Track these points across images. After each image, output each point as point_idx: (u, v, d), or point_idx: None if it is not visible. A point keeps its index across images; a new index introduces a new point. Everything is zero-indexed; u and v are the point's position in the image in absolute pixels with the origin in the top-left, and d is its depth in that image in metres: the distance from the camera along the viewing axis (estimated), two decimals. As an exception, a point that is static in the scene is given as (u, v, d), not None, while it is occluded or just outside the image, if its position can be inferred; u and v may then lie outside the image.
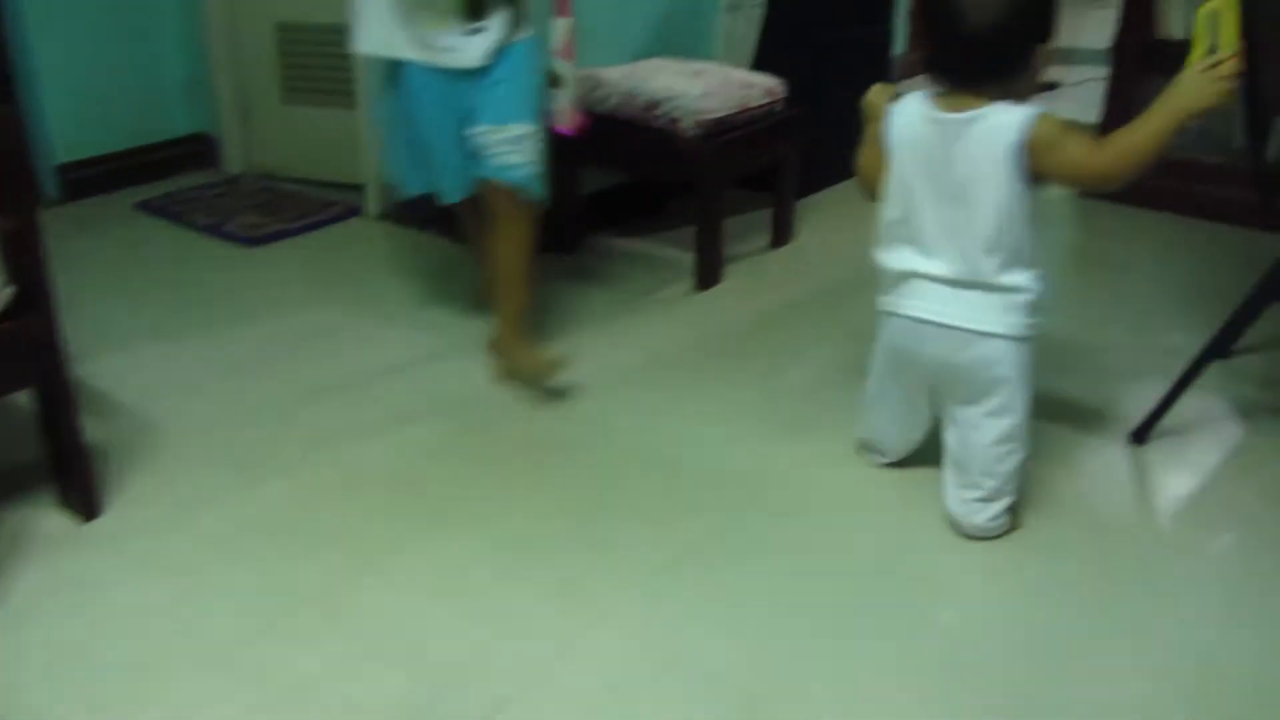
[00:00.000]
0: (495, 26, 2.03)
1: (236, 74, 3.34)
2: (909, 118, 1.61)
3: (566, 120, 2.29)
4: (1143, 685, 1.39)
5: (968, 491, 1.66)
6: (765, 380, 2.19)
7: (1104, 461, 1.91)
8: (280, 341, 2.35)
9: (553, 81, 2.23)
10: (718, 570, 1.61)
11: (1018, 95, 1.56)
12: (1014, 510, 1.69)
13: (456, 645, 1.46)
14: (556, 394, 2.09)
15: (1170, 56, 3.03)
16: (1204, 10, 1.51)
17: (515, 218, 2.11)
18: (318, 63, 3.22)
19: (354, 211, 3.10)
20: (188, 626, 1.48)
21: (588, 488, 1.82)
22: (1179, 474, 1.87)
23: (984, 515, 1.64)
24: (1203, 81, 1.47)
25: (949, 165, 1.56)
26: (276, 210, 3.10)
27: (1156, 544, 1.69)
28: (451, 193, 2.16)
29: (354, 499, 1.79)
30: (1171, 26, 3.05)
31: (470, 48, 2.01)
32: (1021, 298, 1.60)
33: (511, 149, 2.04)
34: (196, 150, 3.47)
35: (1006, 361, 1.61)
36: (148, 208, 3.13)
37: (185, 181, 3.34)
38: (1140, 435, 1.94)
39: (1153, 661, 1.43)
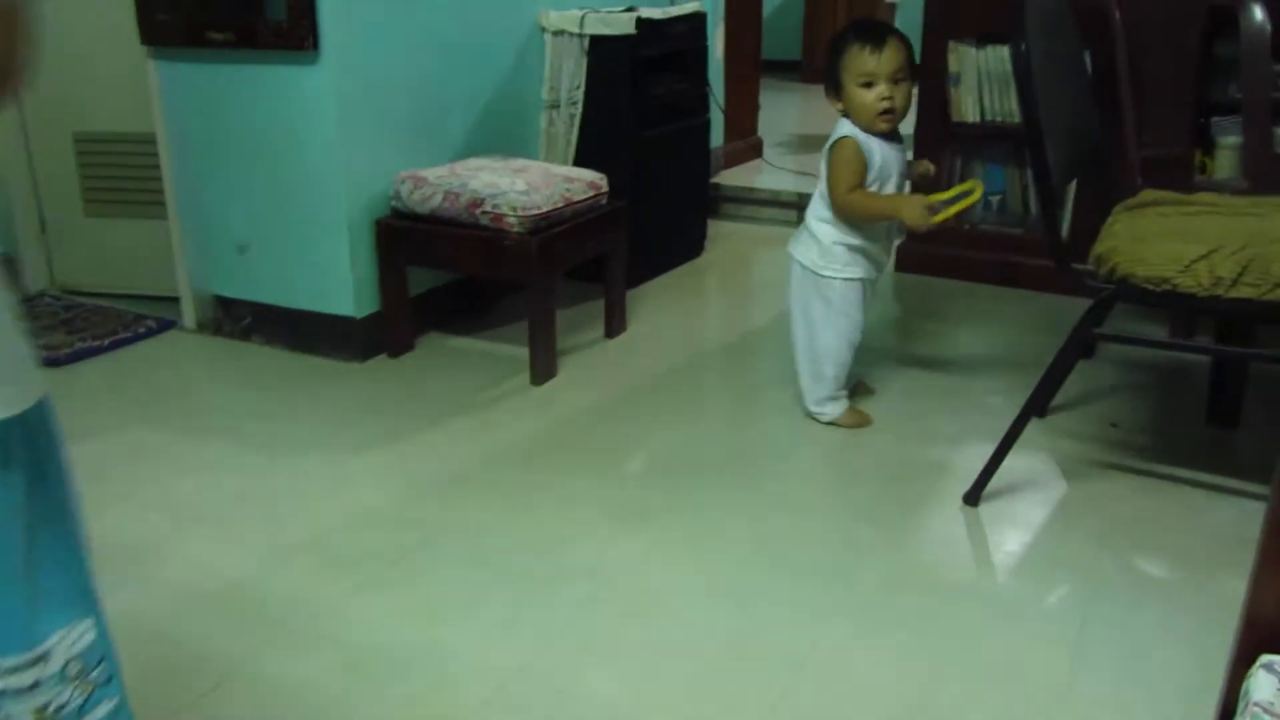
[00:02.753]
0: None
1: (32, 188, 3.17)
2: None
3: None
4: (998, 745, 1.40)
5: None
6: (605, 471, 2.16)
7: (942, 524, 1.95)
8: (86, 466, 2.18)
9: None
10: (559, 678, 1.55)
11: (847, 113, 2.21)
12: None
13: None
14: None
15: (962, 137, 3.27)
16: (965, 185, 2.20)
17: None
18: (123, 173, 3.09)
19: (169, 325, 2.95)
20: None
21: (431, 596, 1.74)
22: (1012, 531, 1.93)
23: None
24: (920, 209, 2.10)
25: None
26: (83, 328, 2.92)
27: (996, 602, 1.72)
28: None
29: (177, 627, 1.65)
30: (965, 110, 3.25)
31: None
32: None
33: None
34: (-9, 269, 3.25)
35: None
36: (-64, 333, 2.89)
37: (-21, 303, 3.12)
38: (972, 496, 2.00)
39: (1009, 718, 1.45)
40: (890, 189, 2.23)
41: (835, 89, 2.20)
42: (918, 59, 3.31)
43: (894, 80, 2.12)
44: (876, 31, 2.13)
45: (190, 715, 1.47)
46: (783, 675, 1.55)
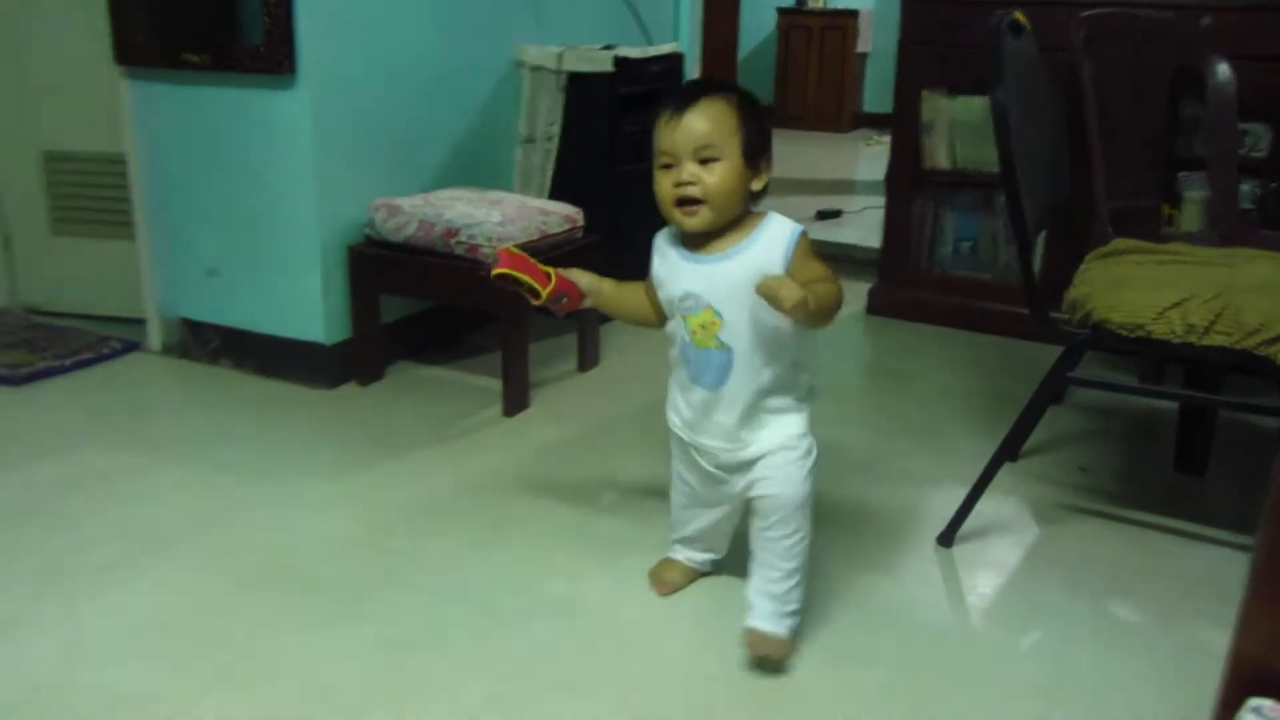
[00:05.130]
0: None
1: (-2, 205, 3.12)
2: None
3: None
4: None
5: None
6: (577, 504, 2.14)
7: (915, 566, 1.95)
8: (47, 488, 2.13)
9: None
10: (533, 706, 1.52)
11: None
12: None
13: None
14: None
15: (934, 184, 3.32)
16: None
17: None
18: (91, 193, 3.05)
19: (134, 346, 2.90)
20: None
21: (399, 628, 1.70)
22: (985, 574, 1.92)
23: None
24: (790, 289, 1.40)
25: None
26: (45, 347, 2.86)
27: (972, 645, 1.72)
28: None
29: (136, 654, 1.61)
30: (937, 158, 3.29)
31: None
32: None
33: None
34: (-49, 286, 3.19)
35: None
36: (-110, 349, 2.83)
37: (-64, 320, 3.05)
38: (946, 538, 2.00)
39: (980, 764, 1.44)
40: (693, 327, 1.58)
41: None
42: (889, 107, 3.40)
43: (700, 159, 1.51)
44: (685, 94, 1.54)
45: (147, 746, 1.42)
46: (756, 713, 1.52)
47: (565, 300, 1.67)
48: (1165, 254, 2.13)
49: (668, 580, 1.83)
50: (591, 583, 1.85)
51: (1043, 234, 3.09)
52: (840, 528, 2.07)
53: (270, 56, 2.50)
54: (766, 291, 1.40)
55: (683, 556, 1.84)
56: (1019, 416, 2.06)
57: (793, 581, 1.61)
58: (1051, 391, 2.03)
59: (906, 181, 3.38)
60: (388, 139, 2.78)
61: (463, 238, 2.52)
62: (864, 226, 4.15)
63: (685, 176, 1.52)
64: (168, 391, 2.74)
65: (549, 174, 3.17)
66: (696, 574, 1.85)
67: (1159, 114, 2.86)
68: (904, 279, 3.43)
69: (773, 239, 1.55)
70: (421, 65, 2.83)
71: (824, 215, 4.43)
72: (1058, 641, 1.71)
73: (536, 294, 1.63)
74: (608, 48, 3.18)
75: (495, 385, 2.60)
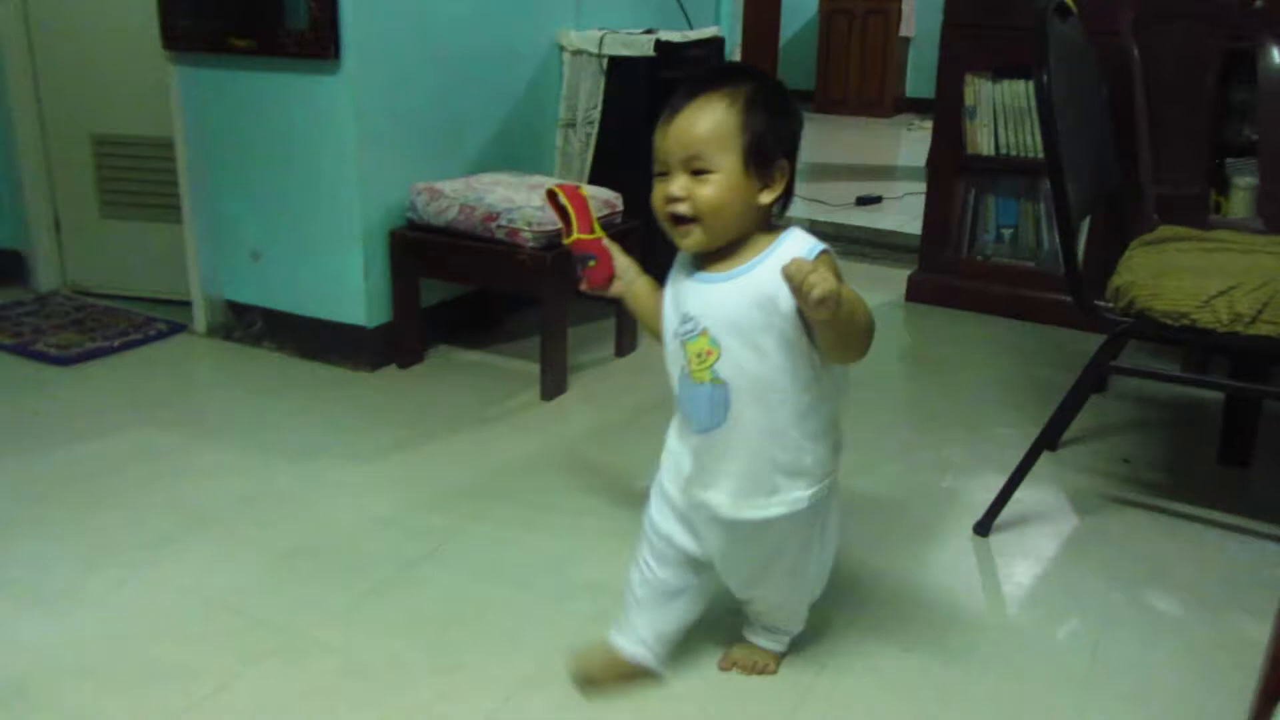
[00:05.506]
0: None
1: (48, 188, 3.17)
2: None
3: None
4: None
5: None
6: (612, 488, 2.15)
7: (952, 553, 1.94)
8: (96, 465, 2.18)
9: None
10: (567, 687, 1.53)
11: None
12: None
13: (293, 788, 1.33)
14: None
15: (976, 170, 3.28)
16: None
17: None
18: (139, 176, 3.10)
19: (179, 328, 2.95)
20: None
21: (437, 607, 1.73)
22: (1022, 562, 1.91)
23: None
24: (823, 276, 1.17)
25: None
26: (93, 328, 2.92)
27: (1007, 633, 1.71)
28: None
29: (176, 631, 1.64)
30: (980, 143, 3.26)
31: None
32: None
33: None
34: (3, 266, 3.26)
35: None
36: (-55, 328, 2.90)
37: (-11, 300, 3.13)
38: (983, 526, 1.99)
39: (1014, 752, 1.43)
40: (690, 355, 1.35)
41: None
42: (932, 92, 3.37)
43: (692, 170, 1.29)
44: (688, 87, 1.32)
45: (194, 716, 1.45)
46: (788, 699, 1.53)
47: (593, 264, 1.51)
48: (1212, 241, 2.09)
49: (603, 670, 1.53)
50: (626, 567, 1.86)
51: (1087, 220, 3.06)
52: (876, 514, 2.07)
53: (315, 41, 2.52)
54: (794, 273, 1.16)
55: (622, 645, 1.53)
56: (1059, 405, 2.04)
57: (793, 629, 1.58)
58: (1093, 380, 2.00)
59: (948, 167, 3.34)
60: (429, 123, 2.80)
61: (503, 222, 2.53)
62: (904, 212, 4.12)
63: (675, 190, 1.30)
64: (212, 372, 2.78)
65: (589, 158, 3.17)
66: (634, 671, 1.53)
67: (1208, 99, 2.81)
68: (944, 265, 3.40)
69: (785, 260, 1.23)
70: (463, 50, 2.85)
71: (864, 201, 4.40)
72: (1096, 631, 1.70)
73: (570, 232, 1.52)
74: (649, 32, 3.17)
75: (533, 369, 2.62)
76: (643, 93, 3.11)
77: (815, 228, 4.06)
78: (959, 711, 1.51)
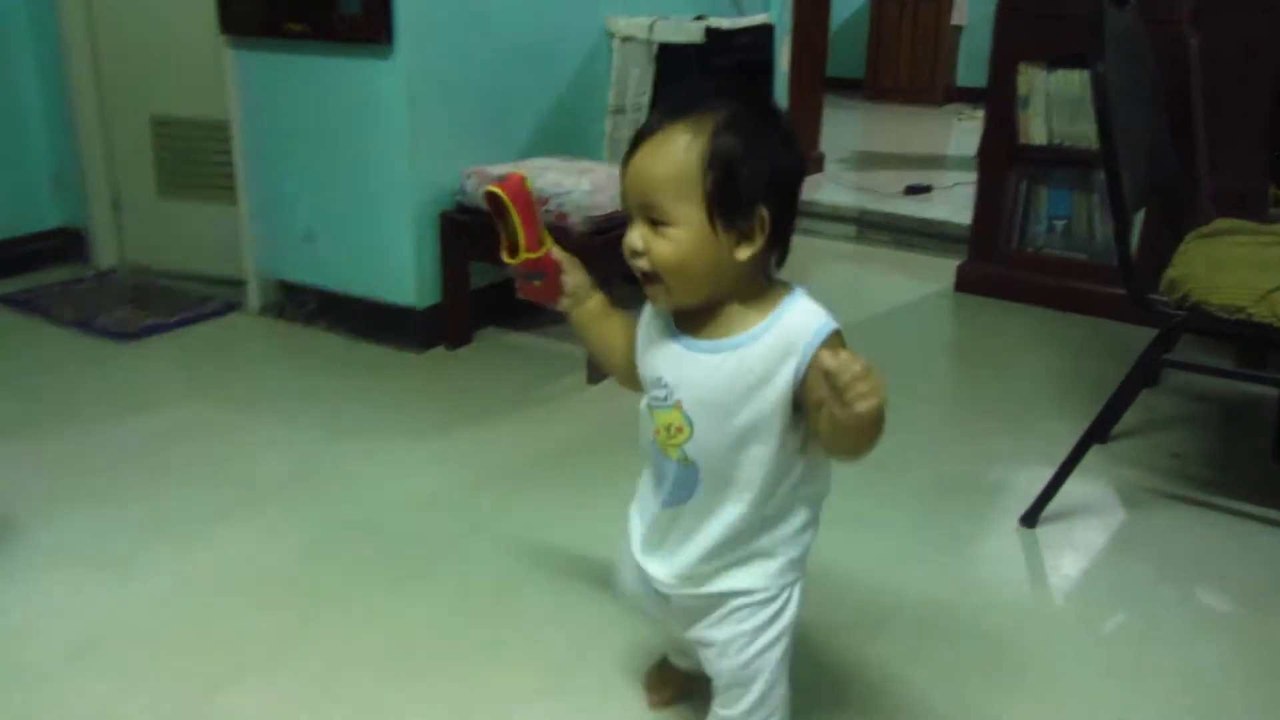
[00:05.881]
0: None
1: (108, 167, 3.24)
2: None
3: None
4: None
5: None
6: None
7: (997, 545, 1.93)
8: (154, 438, 2.23)
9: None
10: (611, 664, 1.55)
11: None
12: None
13: (344, 756, 1.36)
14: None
15: (1029, 160, 3.25)
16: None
17: None
18: (196, 157, 3.15)
19: (234, 306, 3.00)
20: (42, 748, 1.35)
21: (483, 586, 1.75)
22: (1069, 555, 1.90)
23: None
24: (874, 386, 0.94)
25: None
26: (150, 305, 2.98)
27: (1053, 625, 1.70)
28: None
29: (232, 599, 1.68)
30: (1033, 133, 3.22)
31: None
32: None
33: None
34: (64, 244, 3.34)
35: None
36: (10, 302, 2.97)
37: (51, 277, 3.20)
38: (1030, 518, 1.98)
39: (1058, 743, 1.43)
40: (659, 425, 1.18)
41: None
42: (983, 81, 3.33)
43: (650, 219, 1.07)
44: (653, 120, 1.08)
45: (240, 685, 1.49)
46: (828, 684, 1.54)
47: (538, 283, 1.28)
48: (1269, 235, 2.06)
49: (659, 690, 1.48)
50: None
51: (1142, 212, 3.02)
52: (922, 504, 2.07)
53: (368, 26, 2.55)
54: (837, 372, 0.92)
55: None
56: (1110, 398, 2.02)
57: None
58: (1145, 373, 1.98)
59: (1000, 157, 3.31)
60: (480, 108, 2.82)
61: (552, 206, 2.55)
62: (954, 203, 4.08)
63: (633, 241, 1.08)
64: (265, 351, 2.83)
65: (637, 145, 3.18)
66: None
67: (1269, 90, 2.76)
68: (994, 256, 3.37)
69: (784, 340, 1.07)
70: (514, 36, 2.86)
71: (913, 190, 4.36)
72: (1142, 626, 1.69)
73: (515, 248, 1.23)
74: (699, 18, 3.17)
75: (579, 352, 2.64)
76: (691, 80, 3.11)
77: (865, 217, 4.04)
78: (1002, 702, 1.51)
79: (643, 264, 1.08)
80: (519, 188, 1.21)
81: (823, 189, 4.41)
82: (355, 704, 1.46)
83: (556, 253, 1.26)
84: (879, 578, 1.81)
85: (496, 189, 1.20)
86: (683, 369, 1.12)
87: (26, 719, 1.41)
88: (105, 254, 3.30)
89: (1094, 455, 2.07)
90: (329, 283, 2.87)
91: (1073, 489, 2.01)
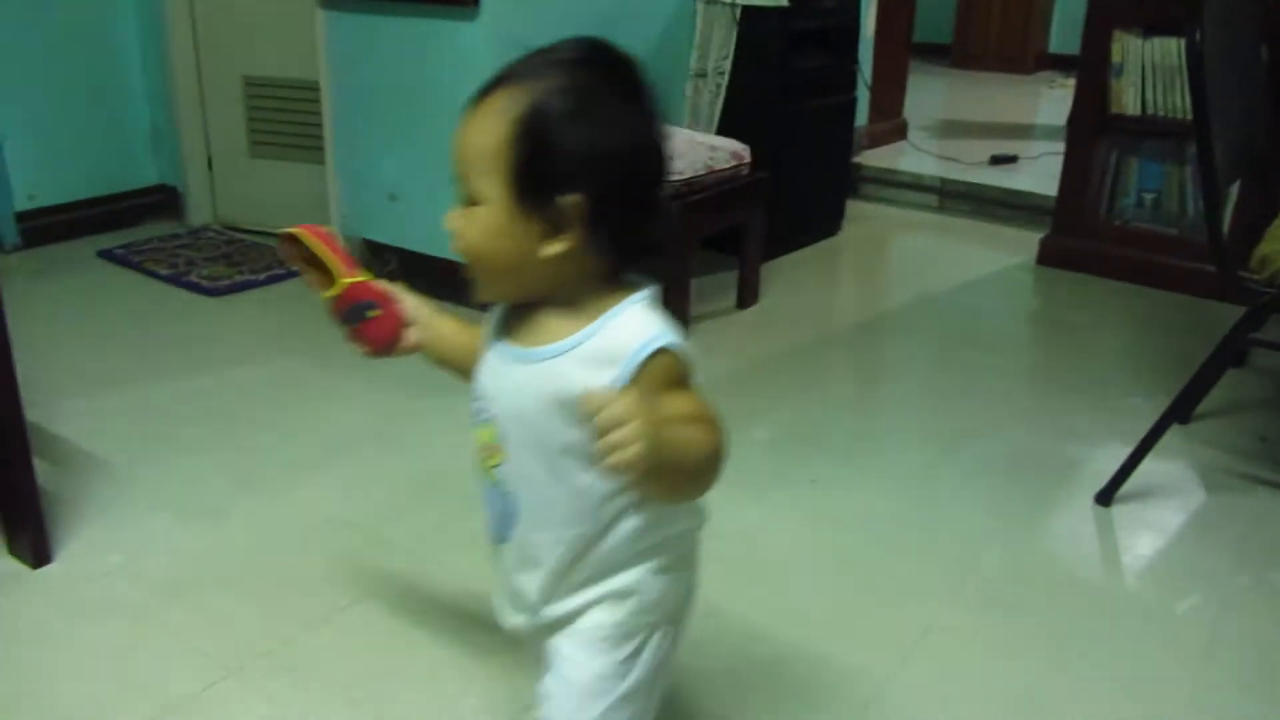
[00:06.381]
0: None
1: (202, 127, 3.34)
2: None
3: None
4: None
5: None
6: (730, 438, 2.18)
7: (1070, 522, 1.91)
8: (243, 390, 2.32)
9: None
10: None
11: None
12: None
13: (420, 699, 1.42)
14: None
15: (1120, 130, 3.16)
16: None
17: None
18: (285, 117, 3.23)
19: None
20: (138, 676, 1.44)
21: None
22: (1144, 535, 1.88)
23: None
24: (636, 432, 0.78)
25: None
26: (241, 262, 3.08)
27: (1123, 605, 1.69)
28: None
29: (317, 547, 1.75)
30: (1125, 102, 3.14)
31: None
32: None
33: None
34: (160, 201, 3.45)
35: None
36: (109, 256, 3.09)
37: (148, 232, 3.32)
38: (1105, 497, 1.95)
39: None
40: (478, 444, 1.02)
41: None
42: (1077, 48, 3.24)
43: (467, 197, 0.92)
44: (479, 89, 0.97)
45: (329, 627, 1.55)
46: (891, 653, 1.55)
47: (374, 313, 1.12)
48: (1371, 213, 1.99)
49: None
50: (739, 514, 1.90)
51: (1235, 186, 2.92)
52: (994, 477, 2.06)
53: (455, -12, 2.58)
54: (588, 413, 0.77)
55: None
56: (1193, 376, 1.98)
57: None
58: (1231, 352, 1.94)
59: (1090, 127, 3.23)
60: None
61: (631, 171, 2.56)
62: (1040, 173, 3.98)
63: (448, 219, 0.93)
64: (349, 308, 2.90)
65: (718, 109, 3.17)
66: None
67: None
68: (1080, 229, 3.30)
69: (603, 354, 0.90)
70: (598, -1, 2.87)
71: (998, 160, 4.27)
72: (1216, 610, 1.67)
73: (330, 281, 1.11)
74: (784, -18, 3.14)
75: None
76: (775, 44, 3.09)
77: (947, 186, 3.98)
78: (1068, 680, 1.50)
79: (458, 246, 0.93)
80: (314, 228, 1.11)
81: (904, 157, 4.34)
82: (430, 650, 1.51)
83: (381, 283, 1.11)
84: (950, 549, 1.81)
85: (295, 231, 1.10)
86: (498, 379, 0.96)
87: (127, 649, 1.49)
88: (199, 211, 3.41)
89: (1174, 435, 2.04)
90: (411, 243, 2.93)
91: (1151, 468, 1.98)
